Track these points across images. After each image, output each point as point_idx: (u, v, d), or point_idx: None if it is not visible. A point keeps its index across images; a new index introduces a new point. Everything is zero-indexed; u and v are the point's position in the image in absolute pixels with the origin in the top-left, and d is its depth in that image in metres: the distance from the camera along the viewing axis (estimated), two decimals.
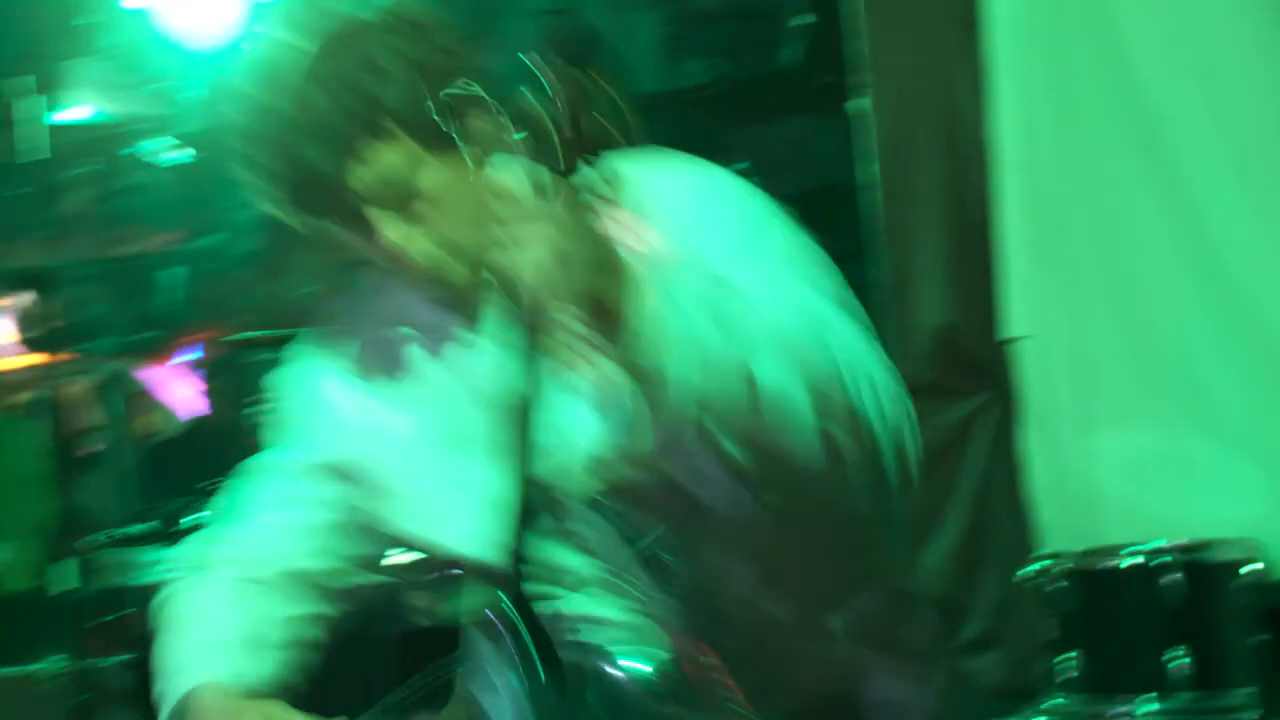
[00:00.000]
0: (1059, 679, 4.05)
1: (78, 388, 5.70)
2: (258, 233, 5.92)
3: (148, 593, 4.38)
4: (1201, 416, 4.30)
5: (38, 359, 5.26)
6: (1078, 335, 4.53)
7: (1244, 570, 3.89)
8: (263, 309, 5.40)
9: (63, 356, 5.65)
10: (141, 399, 5.89)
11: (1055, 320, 4.58)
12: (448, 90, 2.30)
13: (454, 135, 2.30)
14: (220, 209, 5.91)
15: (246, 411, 4.45)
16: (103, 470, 5.55)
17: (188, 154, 5.83)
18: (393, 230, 2.32)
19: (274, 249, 5.83)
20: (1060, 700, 4.05)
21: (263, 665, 2.48)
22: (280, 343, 4.47)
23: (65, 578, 4.23)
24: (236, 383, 4.52)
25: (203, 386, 5.77)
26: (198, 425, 5.75)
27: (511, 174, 2.27)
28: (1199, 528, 4.04)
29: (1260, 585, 3.61)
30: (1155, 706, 3.94)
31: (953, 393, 4.78)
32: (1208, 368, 4.26)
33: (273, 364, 4.40)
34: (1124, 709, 3.96)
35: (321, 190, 2.31)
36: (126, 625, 4.44)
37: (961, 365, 4.76)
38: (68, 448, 5.41)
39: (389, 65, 2.29)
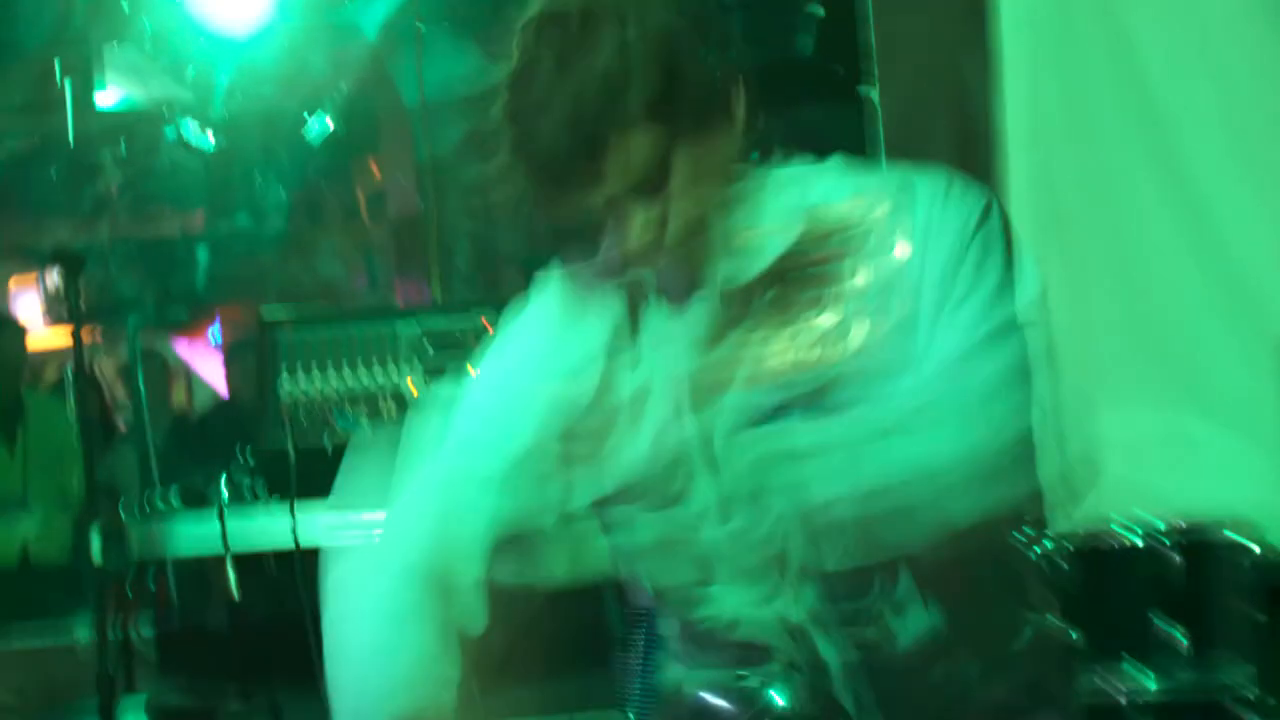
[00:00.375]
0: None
1: (107, 363, 5.76)
2: (283, 213, 5.99)
3: (176, 562, 4.48)
4: (1202, 399, 4.33)
5: (68, 335, 5.31)
6: (1080, 318, 4.57)
7: (1242, 551, 3.94)
8: (288, 287, 5.46)
9: (93, 333, 5.69)
10: (170, 374, 5.95)
11: (1058, 303, 4.62)
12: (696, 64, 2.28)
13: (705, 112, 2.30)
14: (247, 190, 5.96)
15: (273, 388, 4.51)
16: (131, 444, 5.61)
17: (218, 137, 5.88)
18: (643, 222, 2.30)
19: (300, 229, 5.91)
20: None
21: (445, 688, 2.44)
22: (307, 320, 4.56)
23: (95, 549, 4.25)
24: (263, 359, 4.55)
25: (228, 362, 5.82)
26: (224, 401, 5.81)
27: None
28: (1198, 508, 4.08)
29: (1258, 565, 3.64)
30: (1153, 683, 4.01)
31: None
32: (1209, 351, 4.29)
33: (298, 340, 4.48)
34: (1123, 685, 4.02)
35: (575, 181, 2.28)
36: (157, 594, 4.50)
37: None
38: (97, 422, 5.45)
39: (647, 46, 2.25)
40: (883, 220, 2.35)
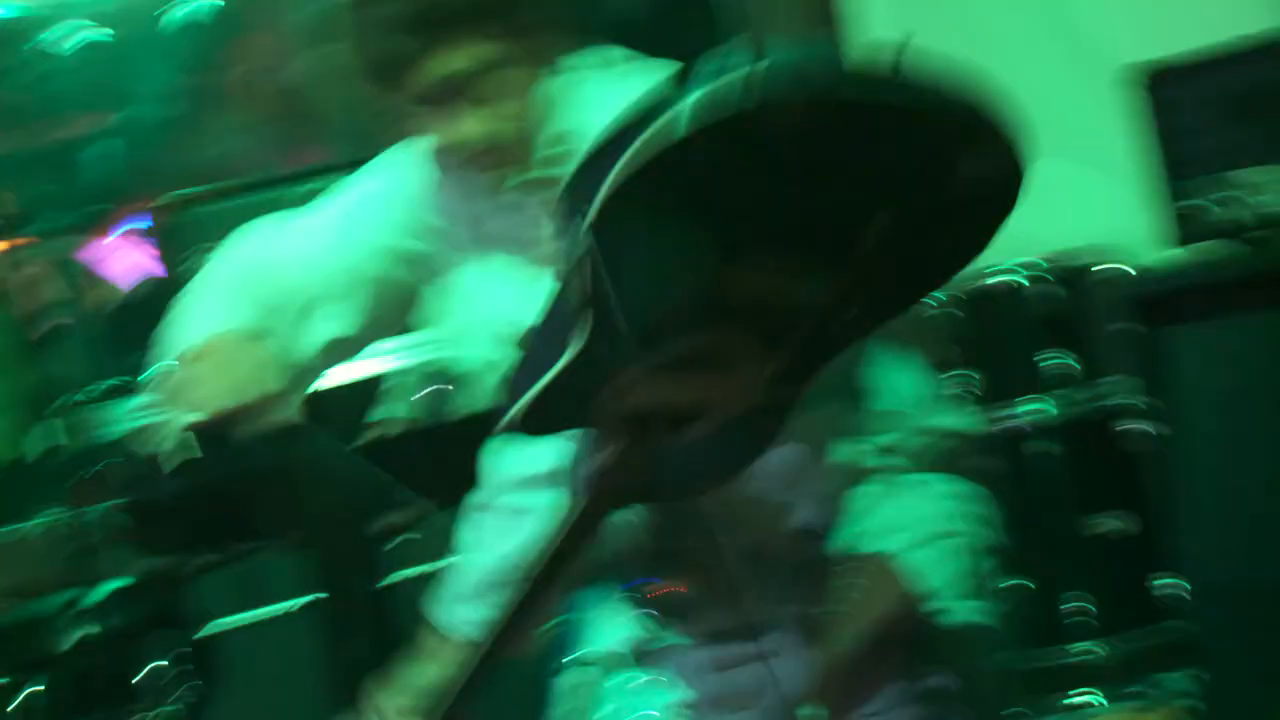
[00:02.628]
0: (959, 396, 4.18)
1: (33, 269, 5.71)
2: (180, 99, 5.93)
3: (125, 444, 4.49)
4: (1053, 137, 4.36)
5: None
6: None
7: (1114, 273, 4.01)
8: (193, 169, 5.42)
9: (14, 242, 5.65)
10: (95, 271, 5.91)
11: None
12: None
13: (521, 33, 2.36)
14: (141, 82, 5.89)
15: (187, 268, 4.51)
16: (68, 341, 5.59)
17: (105, 33, 5.81)
18: (452, 121, 2.37)
19: (197, 112, 5.85)
20: (960, 414, 4.17)
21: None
22: (214, 197, 4.57)
23: (44, 441, 4.27)
24: (174, 242, 4.55)
25: (151, 250, 5.79)
26: (151, 287, 5.77)
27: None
28: (1061, 240, 4.14)
29: (1130, 283, 3.71)
30: (1053, 408, 4.10)
31: None
32: (1053, 89, 4.31)
33: (206, 218, 4.49)
34: (1018, 413, 4.10)
35: (399, 74, 2.36)
36: (111, 475, 4.50)
37: None
38: (32, 325, 5.44)
39: None
40: None
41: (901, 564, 2.47)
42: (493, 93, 2.33)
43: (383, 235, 2.62)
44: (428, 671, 2.39)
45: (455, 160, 2.40)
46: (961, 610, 2.52)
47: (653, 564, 2.53)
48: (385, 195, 2.64)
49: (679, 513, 2.37)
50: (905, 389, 2.56)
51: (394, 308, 2.67)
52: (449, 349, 2.63)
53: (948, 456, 2.59)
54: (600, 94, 2.39)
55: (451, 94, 2.33)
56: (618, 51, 2.49)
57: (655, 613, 2.56)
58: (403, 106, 2.42)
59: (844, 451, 2.50)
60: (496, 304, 2.49)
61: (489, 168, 2.40)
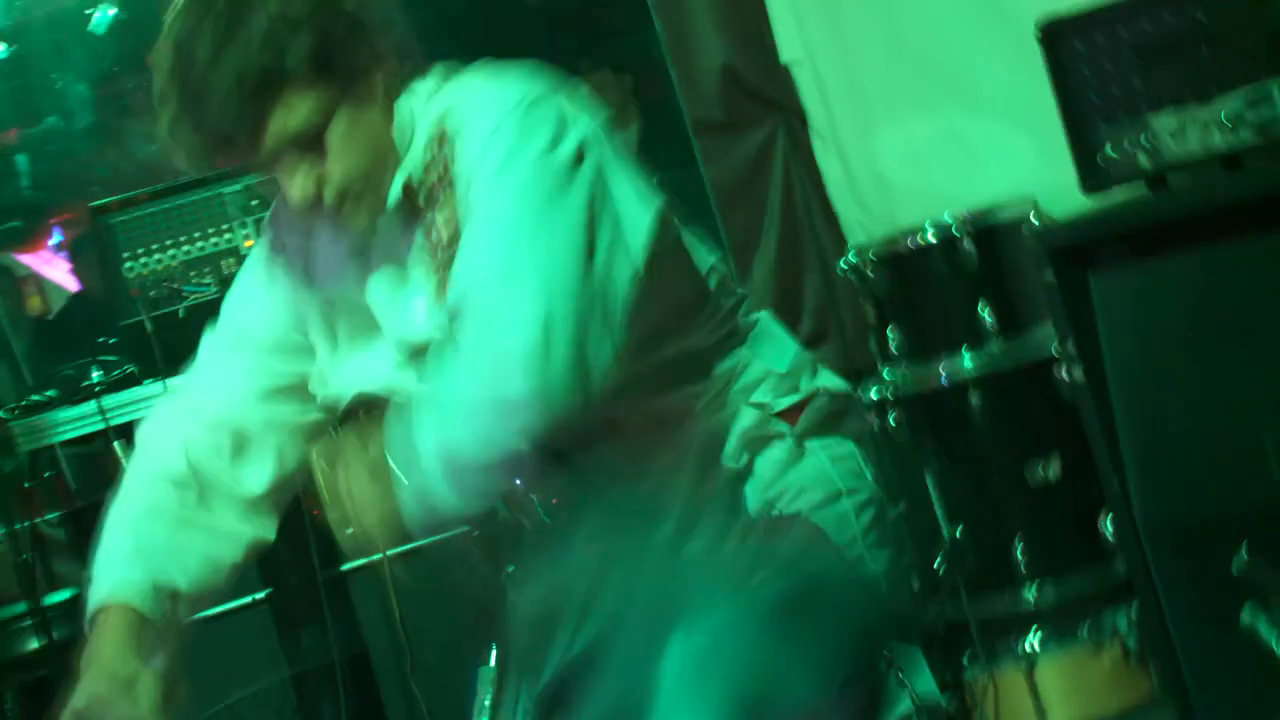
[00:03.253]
0: (886, 353, 4.18)
1: None
2: (90, 108, 5.88)
3: (62, 453, 4.47)
4: (967, 98, 4.38)
5: None
6: (844, 49, 4.60)
7: (1025, 225, 4.02)
8: (111, 176, 5.38)
9: None
10: (20, 284, 5.86)
11: (821, 39, 4.65)
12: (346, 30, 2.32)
13: (354, 76, 2.33)
14: (47, 94, 5.85)
15: (118, 273, 4.49)
16: (1, 355, 5.55)
17: (7, 47, 5.76)
18: (301, 176, 2.33)
19: (109, 119, 5.80)
20: (887, 372, 4.19)
21: (187, 572, 2.47)
22: (136, 203, 4.53)
23: (19, 441, 4.27)
24: (104, 248, 4.52)
25: (73, 259, 5.75)
26: (78, 297, 5.73)
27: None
28: (981, 196, 4.17)
29: (1040, 234, 3.71)
30: (968, 362, 4.11)
31: (746, 124, 4.83)
32: (967, 47, 4.32)
33: (133, 223, 4.46)
34: (945, 366, 4.11)
35: (235, 149, 2.32)
36: (51, 485, 4.48)
37: (748, 98, 4.81)
38: None
39: (296, 14, 2.27)
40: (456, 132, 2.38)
41: (813, 522, 2.48)
42: (338, 138, 2.32)
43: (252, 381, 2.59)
44: None
45: (316, 209, 2.37)
46: (871, 561, 2.52)
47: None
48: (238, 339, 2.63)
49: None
50: (788, 356, 2.57)
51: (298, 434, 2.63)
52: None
53: (834, 418, 2.59)
54: (442, 106, 2.41)
55: (297, 150, 2.31)
56: (456, 65, 2.48)
57: None
58: (254, 170, 2.40)
59: (741, 418, 2.50)
60: (393, 323, 2.47)
61: (351, 207, 2.37)
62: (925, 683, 2.58)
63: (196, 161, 2.35)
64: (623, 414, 2.39)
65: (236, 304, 2.64)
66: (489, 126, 2.32)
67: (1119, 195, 3.37)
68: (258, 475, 2.57)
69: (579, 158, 2.31)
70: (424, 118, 2.41)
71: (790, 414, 2.54)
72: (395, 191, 2.39)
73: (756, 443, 2.51)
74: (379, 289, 2.47)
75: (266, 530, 2.60)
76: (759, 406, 2.52)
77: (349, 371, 2.53)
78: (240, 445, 2.56)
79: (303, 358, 2.58)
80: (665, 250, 2.41)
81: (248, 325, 2.60)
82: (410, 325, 2.44)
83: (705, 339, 2.51)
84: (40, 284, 6.02)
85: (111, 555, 2.49)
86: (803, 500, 2.50)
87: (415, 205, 2.41)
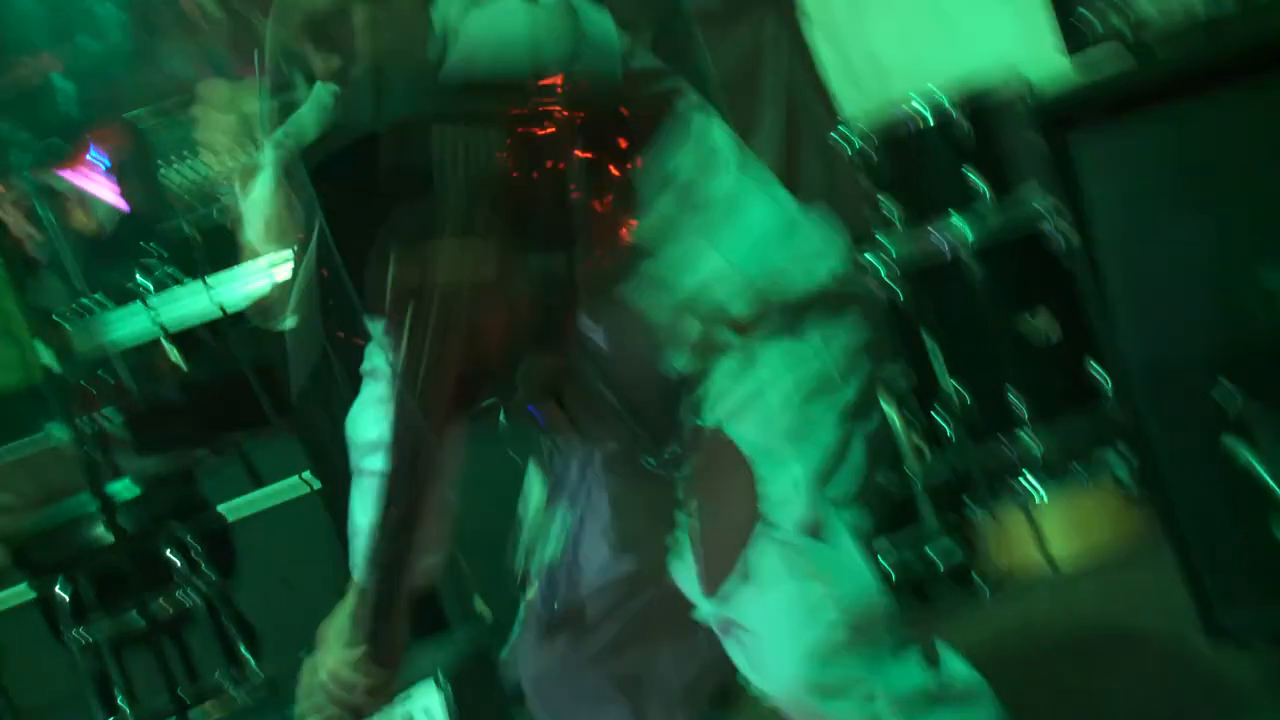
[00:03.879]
0: (883, 221, 4.27)
1: (8, 206, 5.73)
2: (124, 28, 5.90)
3: (123, 353, 4.54)
4: None
5: None
6: None
7: (1015, 97, 4.10)
8: (144, 90, 5.41)
9: None
10: (66, 201, 5.93)
11: None
12: None
13: None
14: (83, 14, 5.86)
15: (158, 182, 4.54)
16: (50, 269, 5.61)
17: None
18: (322, 63, 2.29)
19: (143, 36, 5.82)
20: (885, 239, 4.29)
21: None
22: (170, 115, 4.58)
23: (47, 358, 4.29)
24: (144, 161, 4.57)
25: (115, 174, 5.81)
26: (122, 209, 5.79)
27: None
28: (967, 70, 4.24)
29: (1029, 104, 3.76)
30: (970, 233, 4.20)
31: (743, 12, 4.88)
32: None
33: (169, 137, 4.51)
34: (942, 232, 4.20)
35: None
36: (108, 384, 4.55)
37: None
38: (16, 259, 5.46)
39: None
40: None
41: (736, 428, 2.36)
42: (364, 23, 2.23)
43: None
44: (345, 613, 2.38)
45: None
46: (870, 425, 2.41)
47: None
48: None
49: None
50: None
51: None
52: None
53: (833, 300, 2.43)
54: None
55: (320, 29, 2.25)
56: None
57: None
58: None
59: (733, 306, 2.35)
60: None
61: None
62: None
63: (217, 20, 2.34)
64: None
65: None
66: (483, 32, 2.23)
67: (1096, 56, 3.40)
68: None
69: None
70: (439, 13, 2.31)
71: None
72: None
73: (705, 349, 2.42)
74: None
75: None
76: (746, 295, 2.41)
77: None
78: None
79: None
80: None
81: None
82: None
83: None
84: (85, 201, 6.09)
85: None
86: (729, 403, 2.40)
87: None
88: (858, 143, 4.24)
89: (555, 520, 2.56)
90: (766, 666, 2.23)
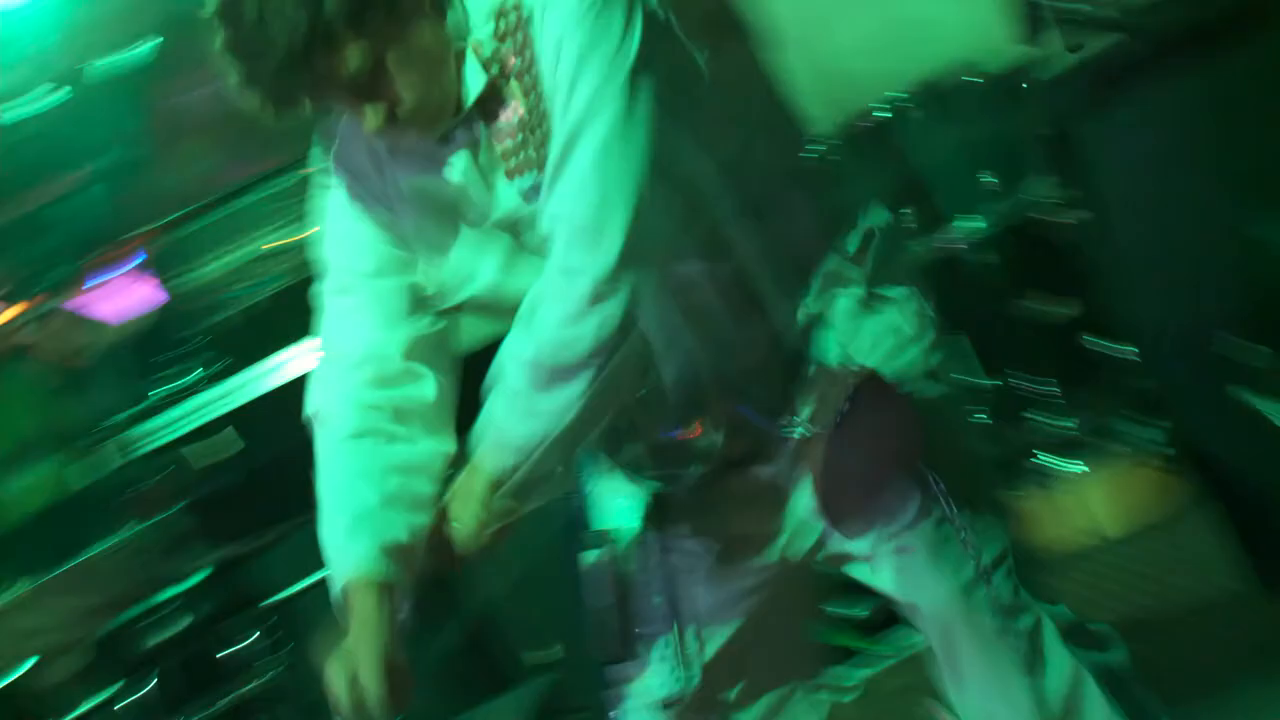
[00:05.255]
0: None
1: (55, 322, 5.68)
2: (143, 138, 5.87)
3: (169, 453, 4.50)
4: None
5: (11, 313, 5.24)
6: None
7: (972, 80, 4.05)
8: (171, 197, 5.37)
9: (29, 303, 5.62)
10: (94, 321, 5.87)
11: None
12: None
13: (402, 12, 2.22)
14: (106, 129, 5.82)
15: (188, 283, 4.51)
16: (96, 378, 5.56)
17: (64, 93, 5.73)
18: (371, 110, 2.24)
19: (164, 145, 5.79)
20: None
21: (405, 521, 2.37)
22: (203, 212, 4.55)
23: (95, 469, 4.28)
24: (169, 267, 4.55)
25: (154, 279, 5.75)
26: (150, 316, 5.72)
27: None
28: (927, 68, 4.16)
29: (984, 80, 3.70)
30: (982, 223, 4.11)
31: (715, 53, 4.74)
32: None
33: (184, 242, 4.49)
34: (959, 237, 4.13)
35: (299, 98, 2.23)
36: (165, 484, 4.50)
37: (709, 28, 4.71)
38: (59, 374, 5.42)
39: None
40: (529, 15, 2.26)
41: (886, 374, 2.46)
42: (398, 66, 2.21)
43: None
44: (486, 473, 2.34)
45: (392, 130, 2.31)
46: (932, 389, 2.48)
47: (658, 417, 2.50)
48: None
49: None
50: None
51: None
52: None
53: (903, 269, 2.56)
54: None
55: (361, 89, 2.21)
56: None
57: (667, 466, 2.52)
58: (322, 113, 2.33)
59: (823, 267, 2.44)
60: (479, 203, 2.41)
61: (427, 119, 2.31)
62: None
63: (265, 116, 2.23)
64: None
65: (333, 248, 2.53)
66: (568, 13, 2.21)
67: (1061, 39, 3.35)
68: (422, 387, 2.46)
69: (646, 45, 2.22)
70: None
71: (857, 257, 2.48)
72: (476, 86, 2.29)
73: (834, 282, 2.46)
74: (460, 171, 2.36)
75: (450, 442, 2.46)
76: (837, 250, 2.49)
77: (453, 273, 2.46)
78: (393, 370, 2.45)
79: (413, 269, 2.48)
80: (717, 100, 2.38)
81: (351, 263, 2.50)
82: (495, 202, 2.36)
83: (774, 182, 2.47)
84: (117, 309, 6.01)
85: (335, 534, 2.38)
86: (878, 350, 2.46)
87: (493, 82, 2.29)
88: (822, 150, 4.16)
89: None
90: (931, 585, 2.41)
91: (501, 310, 2.41)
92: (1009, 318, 4.16)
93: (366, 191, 2.48)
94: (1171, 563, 3.79)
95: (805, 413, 2.42)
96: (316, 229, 2.56)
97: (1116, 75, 3.25)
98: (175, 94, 5.56)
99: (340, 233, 2.52)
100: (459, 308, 2.51)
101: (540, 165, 2.27)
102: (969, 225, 4.11)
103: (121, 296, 5.97)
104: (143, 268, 5.84)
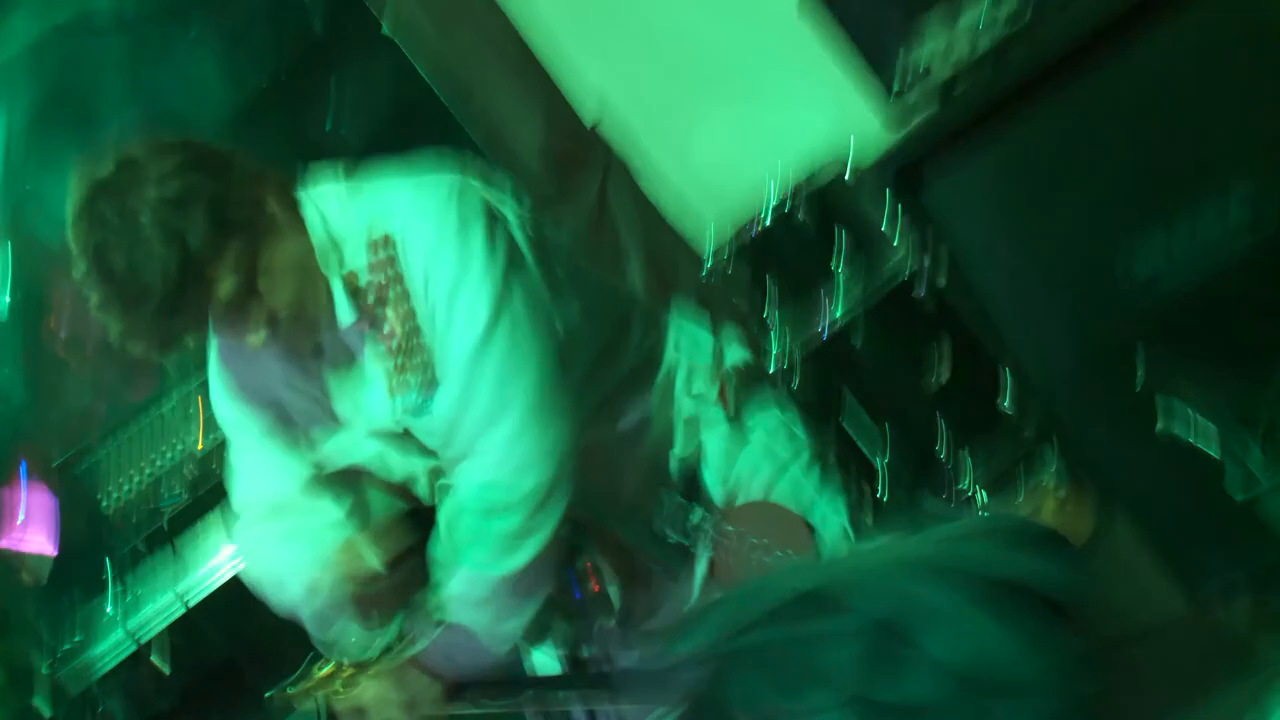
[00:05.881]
0: (765, 328, 4.18)
1: None
2: (28, 375, 5.77)
3: (107, 677, 4.38)
4: (751, 88, 4.40)
5: None
6: (635, 95, 4.60)
7: (846, 176, 4.04)
8: (57, 432, 5.27)
9: None
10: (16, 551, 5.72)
11: (614, 93, 4.64)
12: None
13: (253, 213, 2.23)
14: None
15: (97, 511, 4.42)
16: (12, 626, 5.42)
17: None
18: (253, 324, 2.25)
19: (44, 373, 5.69)
20: (774, 342, 4.19)
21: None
22: (87, 447, 4.46)
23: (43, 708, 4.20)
24: (79, 498, 4.48)
25: (44, 520, 5.62)
26: (61, 547, 5.59)
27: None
28: (803, 162, 4.16)
29: (866, 176, 3.73)
30: (840, 309, 4.10)
31: (578, 188, 4.77)
32: (734, 40, 4.34)
33: (91, 467, 4.41)
34: (820, 321, 4.12)
35: (185, 336, 2.26)
36: (114, 709, 4.40)
37: (574, 162, 4.78)
38: None
39: (176, 191, 2.17)
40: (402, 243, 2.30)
41: (778, 496, 2.49)
42: (267, 278, 2.23)
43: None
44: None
45: (274, 341, 2.30)
46: (834, 513, 2.53)
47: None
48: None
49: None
50: (706, 347, 2.58)
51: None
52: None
53: (752, 387, 2.60)
54: (370, 211, 2.34)
55: (238, 307, 2.24)
56: (342, 164, 2.42)
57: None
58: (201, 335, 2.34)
59: (681, 410, 2.51)
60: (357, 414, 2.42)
61: (302, 328, 2.31)
62: None
63: (152, 356, 2.27)
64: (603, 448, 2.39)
65: (225, 426, 2.56)
66: (431, 233, 2.27)
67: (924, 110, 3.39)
68: (330, 508, 2.49)
69: (512, 256, 2.28)
70: (346, 221, 2.32)
71: (720, 398, 2.53)
72: (343, 303, 2.33)
73: (697, 427, 2.49)
74: (338, 387, 2.40)
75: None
76: (696, 398, 2.52)
77: (335, 447, 2.47)
78: (297, 505, 2.48)
79: (301, 435, 2.51)
80: (586, 312, 2.42)
81: (244, 436, 2.53)
82: (374, 416, 2.38)
83: (639, 360, 2.50)
84: (24, 560, 5.85)
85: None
86: (757, 481, 2.48)
87: (364, 304, 2.33)
88: (719, 266, 4.17)
89: None
90: None
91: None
92: (885, 394, 4.15)
93: (245, 379, 2.49)
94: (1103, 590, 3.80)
95: (701, 561, 2.46)
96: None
97: (949, 137, 3.28)
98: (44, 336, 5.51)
99: (221, 410, 2.55)
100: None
101: (421, 385, 2.29)
102: (829, 313, 4.13)
103: (29, 534, 5.84)
104: (28, 520, 5.73)
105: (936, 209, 3.33)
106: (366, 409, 2.39)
